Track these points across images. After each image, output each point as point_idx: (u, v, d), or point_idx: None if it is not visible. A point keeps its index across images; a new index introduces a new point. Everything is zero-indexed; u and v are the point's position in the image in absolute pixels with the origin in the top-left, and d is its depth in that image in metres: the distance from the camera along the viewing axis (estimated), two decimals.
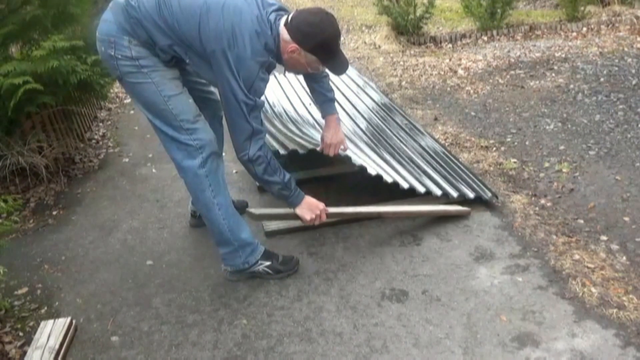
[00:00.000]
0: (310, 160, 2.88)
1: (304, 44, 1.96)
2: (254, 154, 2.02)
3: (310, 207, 2.22)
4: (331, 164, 3.05)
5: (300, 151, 2.61)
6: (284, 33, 1.96)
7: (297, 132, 3.08)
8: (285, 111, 3.49)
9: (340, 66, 2.09)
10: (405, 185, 2.60)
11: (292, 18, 1.97)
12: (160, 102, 2.04)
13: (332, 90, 2.43)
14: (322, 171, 3.02)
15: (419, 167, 2.87)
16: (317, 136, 2.80)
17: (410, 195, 2.66)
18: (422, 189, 2.62)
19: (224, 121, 2.24)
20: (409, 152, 3.06)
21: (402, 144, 3.18)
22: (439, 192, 2.64)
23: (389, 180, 2.57)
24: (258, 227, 2.62)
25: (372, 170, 2.57)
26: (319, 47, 1.98)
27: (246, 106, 1.96)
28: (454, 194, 2.65)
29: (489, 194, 2.68)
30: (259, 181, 2.18)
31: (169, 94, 2.04)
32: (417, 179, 2.72)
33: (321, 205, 2.25)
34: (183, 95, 2.10)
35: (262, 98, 2.03)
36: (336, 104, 2.55)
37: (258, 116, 2.02)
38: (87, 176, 3.39)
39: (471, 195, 2.66)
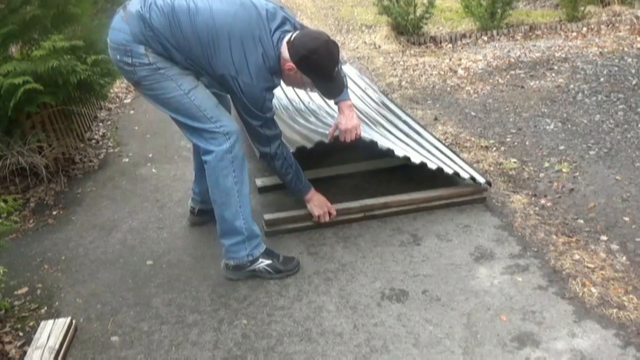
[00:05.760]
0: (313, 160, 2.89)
1: (300, 66, 2.08)
2: (274, 152, 2.27)
3: (319, 204, 2.51)
4: (330, 164, 3.04)
5: (309, 145, 2.63)
6: (284, 51, 2.08)
7: (305, 123, 3.07)
8: (290, 102, 3.47)
9: (332, 92, 2.28)
10: (417, 160, 2.63)
11: (294, 38, 2.07)
12: (181, 96, 2.10)
13: (344, 77, 2.45)
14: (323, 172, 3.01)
15: (426, 149, 2.90)
16: (321, 128, 2.80)
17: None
18: (433, 166, 2.65)
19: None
20: (415, 137, 3.08)
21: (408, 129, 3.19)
22: (450, 171, 2.66)
23: (417, 161, 2.62)
24: (258, 227, 2.61)
25: (400, 151, 2.65)
26: (314, 72, 2.12)
27: (258, 121, 2.15)
28: (465, 175, 2.67)
29: (483, 180, 2.69)
30: (276, 173, 2.43)
31: (188, 87, 2.11)
32: (426, 157, 2.75)
33: (329, 203, 2.53)
34: (201, 87, 2.17)
35: (272, 109, 2.18)
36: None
37: (271, 125, 2.21)
38: (87, 176, 3.39)
39: (467, 175, 2.68)
